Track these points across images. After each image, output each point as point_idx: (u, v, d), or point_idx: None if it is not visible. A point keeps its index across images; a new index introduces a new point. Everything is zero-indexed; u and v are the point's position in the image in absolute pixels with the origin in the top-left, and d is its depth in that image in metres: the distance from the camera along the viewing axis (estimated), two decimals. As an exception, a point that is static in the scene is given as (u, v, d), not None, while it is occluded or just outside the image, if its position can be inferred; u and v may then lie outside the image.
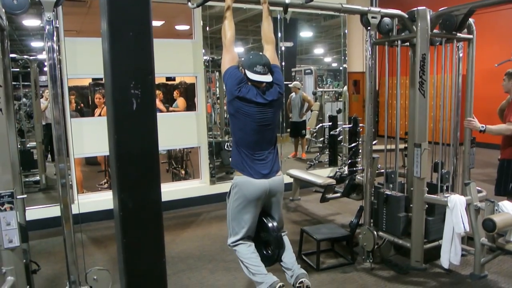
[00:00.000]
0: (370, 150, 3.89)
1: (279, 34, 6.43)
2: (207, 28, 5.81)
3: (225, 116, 7.01)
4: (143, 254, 2.07)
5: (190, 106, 6.36)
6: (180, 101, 6.87)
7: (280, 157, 6.69)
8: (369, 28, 3.70)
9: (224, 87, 2.88)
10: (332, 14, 7.19)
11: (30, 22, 5.81)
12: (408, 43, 3.86)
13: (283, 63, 6.49)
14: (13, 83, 3.16)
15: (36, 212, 4.81)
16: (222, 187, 6.07)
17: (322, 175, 5.73)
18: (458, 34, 3.71)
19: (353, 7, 3.71)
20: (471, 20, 3.72)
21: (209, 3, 3.03)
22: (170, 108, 6.89)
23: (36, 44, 6.28)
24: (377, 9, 3.69)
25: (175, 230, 4.99)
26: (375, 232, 3.76)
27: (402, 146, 5.05)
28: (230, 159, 2.97)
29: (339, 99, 8.35)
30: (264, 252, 3.07)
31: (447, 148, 3.96)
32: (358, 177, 4.47)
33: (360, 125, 5.87)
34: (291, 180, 6.12)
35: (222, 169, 6.44)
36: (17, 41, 6.19)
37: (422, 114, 3.54)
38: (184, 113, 6.39)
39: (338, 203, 5.67)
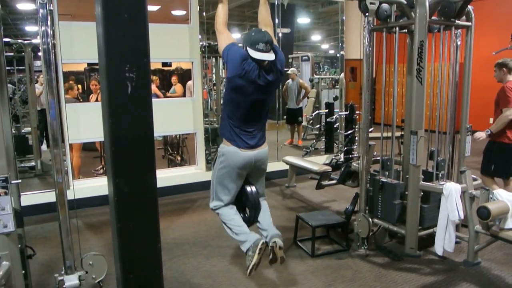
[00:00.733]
0: (366, 137, 3.89)
1: (277, 20, 6.37)
2: (204, 13, 5.74)
3: (221, 102, 6.99)
4: (138, 240, 2.07)
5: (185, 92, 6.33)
6: (178, 87, 6.83)
7: (276, 143, 6.71)
8: (367, 14, 3.66)
9: (224, 65, 2.86)
10: (330, 0, 7.13)
11: (24, 5, 5.72)
12: (406, 30, 3.84)
13: (280, 49, 6.43)
14: (7, 67, 3.12)
15: (32, 198, 4.80)
16: (218, 174, 6.07)
17: (318, 162, 5.74)
18: (457, 21, 3.68)
19: (351, -7, 3.67)
20: (470, 7, 3.69)
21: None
22: (168, 94, 6.85)
23: (30, 28, 6.20)
24: (376, -5, 3.65)
25: (171, 216, 5.00)
26: (370, 219, 3.78)
27: (398, 133, 5.05)
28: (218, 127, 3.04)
29: (336, 86, 8.33)
30: (242, 215, 3.17)
31: (443, 136, 3.97)
32: (354, 164, 4.47)
33: (357, 112, 5.87)
34: (287, 167, 6.13)
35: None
36: (11, 25, 6.10)
37: (419, 101, 3.53)
38: (180, 99, 6.36)
39: (334, 190, 5.69)
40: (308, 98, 8.82)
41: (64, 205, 2.63)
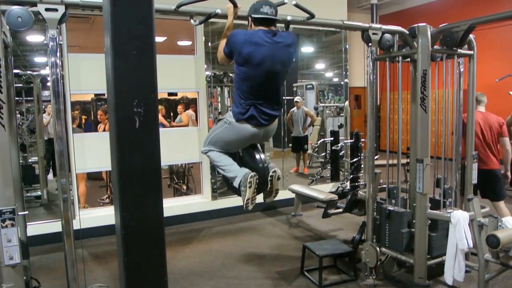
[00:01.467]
0: (372, 165, 3.88)
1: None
2: (209, 44, 5.85)
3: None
4: (144, 273, 2.05)
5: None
6: (184, 116, 6.89)
7: (282, 172, 6.69)
8: (370, 44, 3.72)
9: (228, 51, 2.85)
10: (334, 30, 7.24)
11: (33, 37, 5.86)
12: (409, 59, 3.89)
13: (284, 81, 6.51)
14: (16, 98, 3.18)
15: (37, 228, 4.78)
16: (224, 203, 6.05)
17: (324, 190, 5.71)
18: (459, 50, 3.73)
19: (354, 24, 3.74)
20: (471, 36, 3.74)
21: (211, 20, 3.05)
22: (173, 123, 6.90)
23: (39, 59, 6.32)
24: (378, 25, 3.72)
25: (177, 246, 4.96)
26: (378, 248, 3.73)
27: (404, 161, 5.04)
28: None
29: (341, 114, 8.36)
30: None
31: (449, 163, 3.96)
32: (360, 193, 4.45)
33: (362, 140, 5.88)
34: (293, 195, 6.10)
35: (224, 185, 6.41)
36: (21, 56, 6.23)
37: (424, 129, 3.54)
38: (186, 128, 6.40)
39: (341, 219, 5.64)
40: (313, 126, 8.84)
41: (70, 235, 2.63)
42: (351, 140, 6.18)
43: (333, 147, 7.33)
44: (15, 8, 2.46)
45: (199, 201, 6.11)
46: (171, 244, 4.95)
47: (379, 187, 4.17)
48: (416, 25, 3.55)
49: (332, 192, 5.50)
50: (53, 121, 2.59)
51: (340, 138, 7.48)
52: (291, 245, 4.88)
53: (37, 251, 4.62)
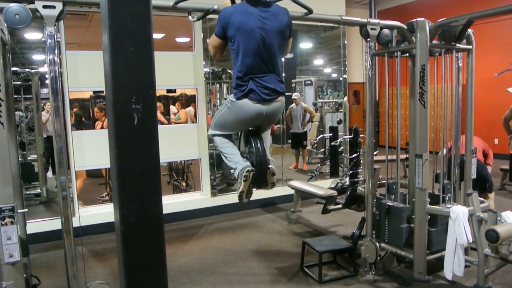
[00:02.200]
0: (371, 160, 3.89)
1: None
2: (208, 40, 5.83)
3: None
4: (144, 270, 2.05)
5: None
6: (182, 113, 6.88)
7: (281, 168, 6.70)
8: (368, 39, 3.71)
9: (220, 28, 2.85)
10: (332, 26, 7.23)
11: (31, 35, 5.84)
12: (407, 54, 3.88)
13: (284, 75, 6.50)
14: (14, 96, 3.18)
15: (37, 225, 4.79)
16: (223, 199, 6.06)
17: (323, 186, 5.72)
18: (457, 45, 3.72)
19: (352, 19, 3.73)
20: (470, 30, 3.74)
21: (209, 16, 3.05)
22: (172, 120, 6.89)
23: (37, 57, 6.30)
24: (376, 20, 3.71)
25: (177, 242, 4.97)
26: (378, 244, 3.74)
27: (403, 156, 5.04)
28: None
29: (340, 110, 8.36)
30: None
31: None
32: (360, 188, 4.45)
33: (361, 135, 5.87)
34: (292, 191, 6.11)
35: (223, 181, 6.42)
36: (19, 54, 6.21)
37: (422, 124, 3.54)
38: (185, 125, 6.39)
39: (340, 215, 5.64)
40: (312, 122, 8.84)
41: (70, 233, 2.63)
42: (350, 136, 6.16)
43: (332, 143, 7.30)
44: (13, 5, 2.45)
45: (199, 198, 6.11)
46: (171, 241, 4.96)
47: (378, 182, 4.17)
48: (414, 20, 3.55)
49: (332, 188, 5.50)
50: (52, 119, 2.59)
51: (339, 134, 7.46)
52: (291, 241, 4.89)
53: (37, 249, 4.62)
